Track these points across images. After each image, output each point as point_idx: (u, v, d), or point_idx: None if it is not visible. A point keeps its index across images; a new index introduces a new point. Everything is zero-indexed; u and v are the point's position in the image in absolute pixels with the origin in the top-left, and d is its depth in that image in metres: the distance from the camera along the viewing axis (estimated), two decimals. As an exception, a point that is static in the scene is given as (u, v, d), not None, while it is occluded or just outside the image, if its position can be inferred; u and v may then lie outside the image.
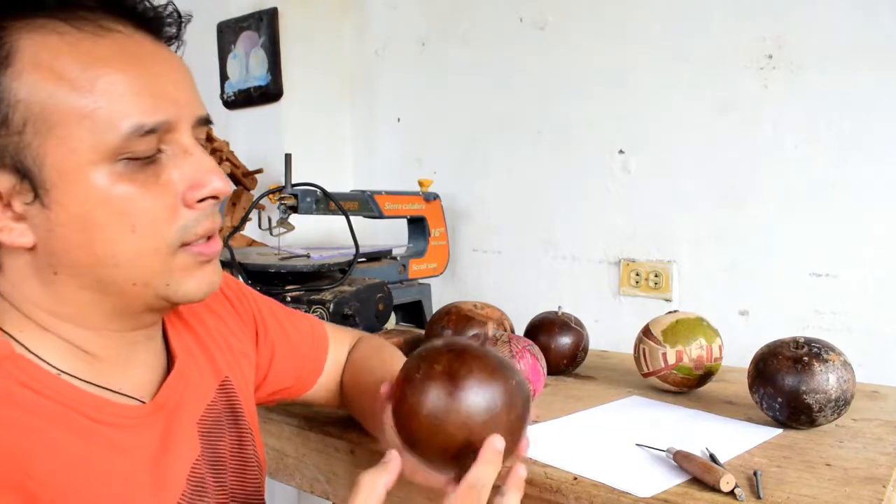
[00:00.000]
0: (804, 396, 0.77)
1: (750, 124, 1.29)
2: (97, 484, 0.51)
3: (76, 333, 0.55)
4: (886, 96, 1.16)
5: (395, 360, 0.81)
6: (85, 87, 0.49)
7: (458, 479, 0.53)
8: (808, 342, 0.80)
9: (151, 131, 0.51)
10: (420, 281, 1.56)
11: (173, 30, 0.57)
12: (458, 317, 1.04)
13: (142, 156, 0.51)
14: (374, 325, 1.16)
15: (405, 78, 1.84)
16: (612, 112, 1.46)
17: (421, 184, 1.60)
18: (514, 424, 0.54)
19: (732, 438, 0.79)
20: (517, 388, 0.54)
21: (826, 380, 0.77)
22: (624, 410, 0.92)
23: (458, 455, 0.52)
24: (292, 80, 1.82)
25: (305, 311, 1.12)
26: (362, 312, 1.14)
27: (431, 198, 1.59)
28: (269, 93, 1.81)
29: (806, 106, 1.23)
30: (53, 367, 0.53)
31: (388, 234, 1.73)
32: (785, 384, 0.78)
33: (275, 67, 1.79)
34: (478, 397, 0.52)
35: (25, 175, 0.50)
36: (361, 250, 1.28)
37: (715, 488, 0.64)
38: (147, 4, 0.55)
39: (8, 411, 0.49)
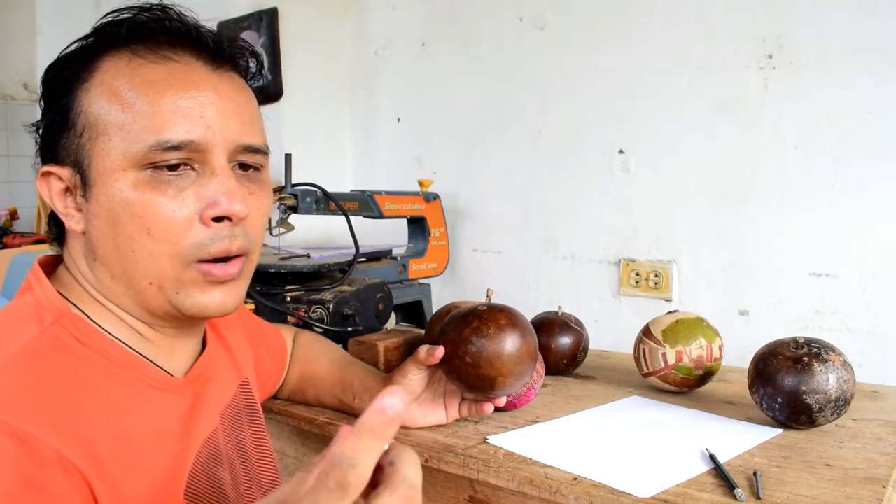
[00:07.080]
0: (804, 396, 0.77)
1: (750, 124, 1.29)
2: (134, 426, 0.57)
3: (124, 315, 0.62)
4: (886, 96, 1.15)
5: (332, 346, 0.98)
6: (127, 104, 0.57)
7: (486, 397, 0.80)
8: (808, 342, 0.80)
9: (175, 147, 0.57)
10: (420, 281, 1.56)
11: (243, 63, 0.65)
12: (458, 317, 1.05)
13: (164, 166, 0.57)
14: (374, 324, 1.16)
15: (405, 78, 1.84)
16: (612, 112, 1.46)
17: (421, 184, 1.60)
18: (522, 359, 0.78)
19: (732, 438, 0.79)
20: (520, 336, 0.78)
21: (826, 380, 0.77)
22: (624, 410, 0.92)
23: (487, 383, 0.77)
24: (292, 80, 1.82)
25: (305, 311, 1.12)
26: (362, 312, 1.14)
27: (431, 198, 1.59)
28: (268, 93, 1.81)
29: (806, 106, 1.23)
30: (107, 332, 0.60)
31: (388, 234, 1.73)
32: (785, 384, 0.78)
33: (275, 67, 1.79)
34: (497, 344, 0.76)
35: (81, 172, 0.59)
36: (361, 250, 1.28)
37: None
38: (207, 39, 0.61)
39: (61, 358, 0.55)
